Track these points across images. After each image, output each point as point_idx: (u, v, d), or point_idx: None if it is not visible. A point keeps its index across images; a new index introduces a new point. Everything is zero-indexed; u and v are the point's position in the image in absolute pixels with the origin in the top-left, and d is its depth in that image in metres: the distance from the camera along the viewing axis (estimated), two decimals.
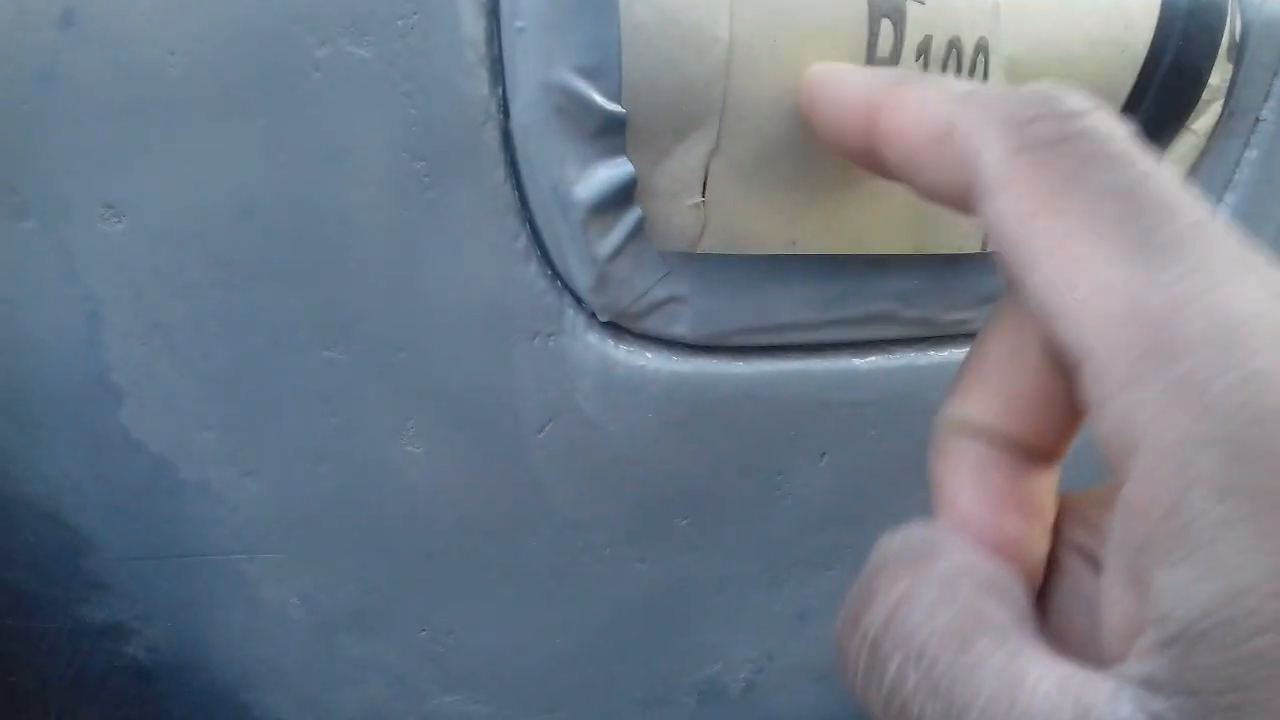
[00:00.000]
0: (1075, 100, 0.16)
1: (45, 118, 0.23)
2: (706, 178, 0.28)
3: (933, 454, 0.19)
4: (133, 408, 0.25)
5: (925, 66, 0.29)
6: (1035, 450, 0.18)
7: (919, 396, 0.33)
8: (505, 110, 0.26)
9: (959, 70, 0.30)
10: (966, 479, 0.18)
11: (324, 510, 0.27)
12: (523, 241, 0.27)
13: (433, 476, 0.28)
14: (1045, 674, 0.14)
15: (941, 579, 0.16)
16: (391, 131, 0.25)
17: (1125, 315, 0.14)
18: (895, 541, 0.18)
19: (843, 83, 0.21)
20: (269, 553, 0.27)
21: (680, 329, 0.30)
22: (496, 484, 0.29)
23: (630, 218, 0.28)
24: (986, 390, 0.18)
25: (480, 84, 0.25)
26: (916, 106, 0.19)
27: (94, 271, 0.24)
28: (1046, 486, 0.19)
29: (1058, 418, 0.18)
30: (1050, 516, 0.19)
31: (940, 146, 0.18)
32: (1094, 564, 0.18)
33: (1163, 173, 0.15)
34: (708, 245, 0.29)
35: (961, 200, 0.17)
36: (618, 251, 0.28)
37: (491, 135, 0.26)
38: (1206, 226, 0.14)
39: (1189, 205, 0.15)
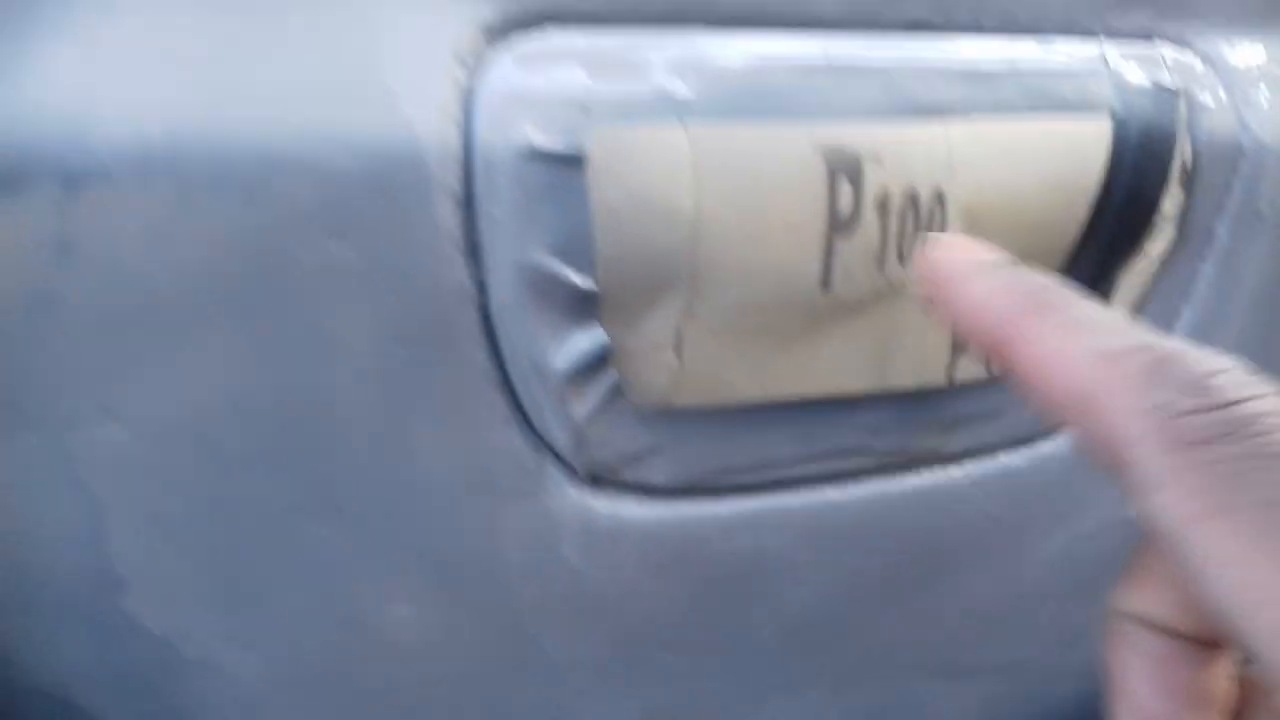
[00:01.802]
0: (1233, 381, 0.16)
1: (45, 338, 0.24)
2: (679, 337, 0.30)
3: (1106, 640, 0.19)
4: (136, 595, 0.26)
5: (885, 219, 0.30)
6: (1208, 641, 0.18)
7: (892, 521, 0.34)
8: (483, 290, 0.27)
9: (917, 220, 0.31)
10: (1143, 673, 0.18)
11: (320, 675, 0.29)
12: (504, 410, 0.28)
13: (422, 634, 0.29)
14: None
15: None
16: (374, 320, 0.26)
17: None
18: None
19: (971, 287, 0.20)
20: (269, 719, 0.29)
21: (658, 477, 0.31)
22: (484, 635, 0.30)
23: (606, 380, 0.29)
24: (1154, 587, 0.18)
25: (458, 270, 0.27)
26: (1053, 354, 0.18)
27: (94, 472, 0.25)
28: (1223, 671, 0.19)
29: None
30: (1228, 699, 0.19)
31: (1082, 415, 0.17)
32: None
33: None
34: (683, 399, 0.30)
35: (1105, 467, 0.17)
36: (596, 412, 0.30)
37: (470, 316, 0.27)
38: None
39: None
